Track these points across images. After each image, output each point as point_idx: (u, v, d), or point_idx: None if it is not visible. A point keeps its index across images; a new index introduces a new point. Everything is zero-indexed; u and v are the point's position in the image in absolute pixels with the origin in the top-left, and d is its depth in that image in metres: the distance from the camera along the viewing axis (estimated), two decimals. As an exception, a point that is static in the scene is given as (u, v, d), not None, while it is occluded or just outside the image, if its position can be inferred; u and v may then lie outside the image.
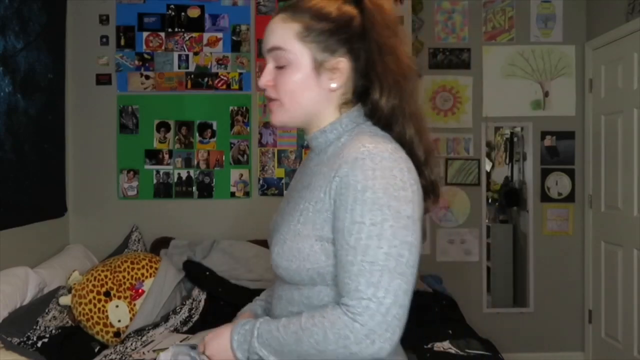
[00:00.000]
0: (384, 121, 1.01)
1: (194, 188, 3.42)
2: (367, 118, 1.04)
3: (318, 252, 0.94)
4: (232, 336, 0.97)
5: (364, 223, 0.88)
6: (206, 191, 3.42)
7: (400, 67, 1.00)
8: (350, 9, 1.01)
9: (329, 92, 1.02)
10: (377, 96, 1.00)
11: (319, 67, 1.00)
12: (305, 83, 1.00)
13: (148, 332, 2.42)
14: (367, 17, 1.00)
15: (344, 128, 1.03)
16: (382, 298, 0.85)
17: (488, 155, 4.58)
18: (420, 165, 1.00)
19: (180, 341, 2.26)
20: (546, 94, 3.73)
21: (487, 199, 4.12)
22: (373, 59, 1.00)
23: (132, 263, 2.66)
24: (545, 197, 3.75)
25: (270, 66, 1.03)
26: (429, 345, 2.38)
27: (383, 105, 0.99)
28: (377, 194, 0.88)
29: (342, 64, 1.00)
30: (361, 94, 1.04)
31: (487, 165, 4.47)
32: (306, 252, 0.94)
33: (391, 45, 1.00)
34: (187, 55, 3.41)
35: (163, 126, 3.41)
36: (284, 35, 1.00)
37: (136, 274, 2.63)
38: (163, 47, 3.41)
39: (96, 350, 2.36)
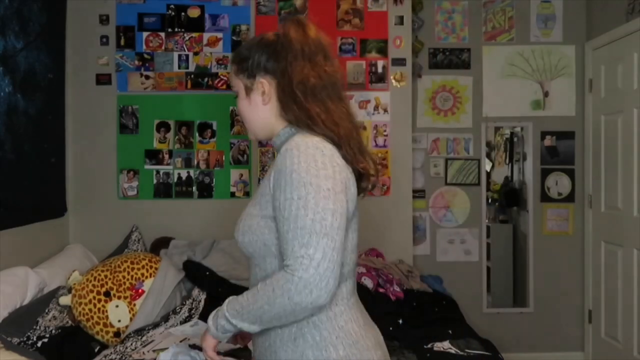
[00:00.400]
0: (302, 126, 1.20)
1: (194, 188, 3.42)
2: None
3: (262, 227, 1.18)
4: (213, 311, 1.23)
5: (292, 199, 1.09)
6: (206, 191, 3.42)
7: (289, 80, 1.19)
8: (270, 35, 1.25)
9: (264, 107, 1.25)
10: (286, 107, 1.21)
11: (249, 91, 1.26)
12: (246, 106, 1.29)
13: (148, 332, 2.42)
14: (280, 41, 1.22)
15: (291, 133, 1.24)
16: (312, 254, 1.05)
17: (488, 155, 4.57)
18: (344, 148, 1.19)
19: (180, 341, 2.26)
20: (546, 94, 3.73)
21: (487, 199, 4.12)
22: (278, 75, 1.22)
23: (132, 263, 2.66)
24: (545, 197, 3.75)
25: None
26: (429, 345, 2.39)
27: (289, 114, 1.21)
28: (300, 174, 1.09)
29: (264, 84, 1.24)
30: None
31: (487, 165, 4.47)
32: (254, 228, 1.19)
33: (291, 62, 1.19)
34: (187, 55, 3.42)
35: (163, 126, 3.41)
36: (231, 76, 1.32)
37: (136, 274, 2.63)
38: (163, 47, 3.42)
39: (96, 350, 2.36)
